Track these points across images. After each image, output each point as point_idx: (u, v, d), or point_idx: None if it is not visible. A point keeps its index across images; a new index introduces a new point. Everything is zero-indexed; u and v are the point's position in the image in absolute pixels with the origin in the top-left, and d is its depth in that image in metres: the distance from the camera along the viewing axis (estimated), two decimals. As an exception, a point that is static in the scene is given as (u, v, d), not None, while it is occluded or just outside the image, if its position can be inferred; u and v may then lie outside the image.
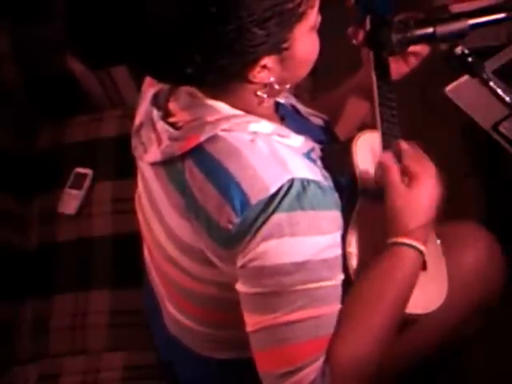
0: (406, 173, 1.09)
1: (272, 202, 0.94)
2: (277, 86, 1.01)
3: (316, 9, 0.97)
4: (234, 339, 1.14)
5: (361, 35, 1.24)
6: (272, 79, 0.99)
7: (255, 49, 0.92)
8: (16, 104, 1.87)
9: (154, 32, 0.92)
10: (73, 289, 1.63)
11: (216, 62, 0.92)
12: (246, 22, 0.89)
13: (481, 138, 1.48)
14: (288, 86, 1.04)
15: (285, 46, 0.96)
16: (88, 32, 0.89)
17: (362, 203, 1.11)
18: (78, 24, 0.91)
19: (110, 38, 0.92)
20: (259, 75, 0.97)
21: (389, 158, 1.11)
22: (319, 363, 0.98)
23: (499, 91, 1.42)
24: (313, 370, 0.98)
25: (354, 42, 1.25)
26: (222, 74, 0.95)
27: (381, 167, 1.11)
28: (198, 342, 1.24)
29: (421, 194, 1.08)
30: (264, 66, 0.96)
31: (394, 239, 1.07)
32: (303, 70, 1.04)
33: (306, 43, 0.99)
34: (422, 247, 1.07)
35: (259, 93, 1.01)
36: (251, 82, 0.98)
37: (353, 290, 1.05)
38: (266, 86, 1.00)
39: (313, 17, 0.97)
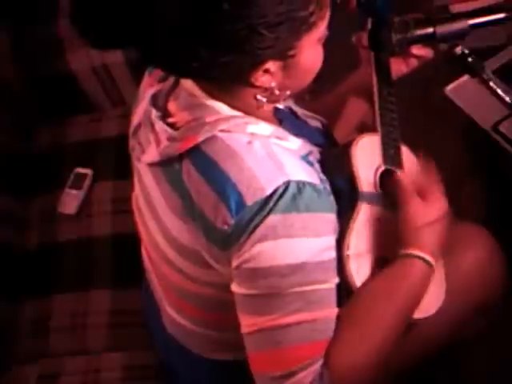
0: (419, 187, 1.10)
1: (267, 204, 0.94)
2: (277, 92, 1.01)
3: (326, 21, 0.97)
4: (232, 340, 1.13)
5: (365, 39, 1.24)
6: (273, 84, 0.99)
7: (261, 51, 0.92)
8: (16, 104, 1.87)
9: (162, 21, 0.90)
10: (73, 289, 1.63)
11: (221, 59, 0.92)
12: (258, 23, 0.88)
13: (481, 137, 1.47)
14: (288, 93, 1.03)
15: (291, 53, 0.95)
16: (96, 11, 0.89)
17: (361, 206, 1.11)
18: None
19: (120, 22, 0.91)
20: (261, 79, 0.97)
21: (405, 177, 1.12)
22: (316, 367, 0.98)
23: (499, 91, 1.42)
24: (309, 373, 0.98)
25: (354, 39, 1.25)
26: (225, 72, 0.95)
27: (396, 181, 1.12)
28: (196, 343, 1.24)
29: (434, 209, 1.08)
30: (267, 70, 0.96)
31: (405, 251, 1.07)
32: (305, 80, 1.04)
33: (311, 53, 0.99)
34: (432, 261, 1.06)
35: (259, 97, 1.01)
36: (252, 85, 0.98)
37: (357, 296, 1.04)
38: (267, 90, 1.00)
39: (322, 28, 0.97)
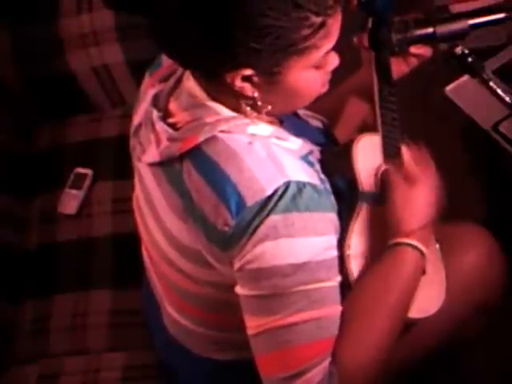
0: (406, 175, 1.10)
1: (268, 204, 0.94)
2: (259, 103, 1.00)
3: (322, 51, 0.96)
4: (232, 340, 1.14)
5: (366, 40, 1.24)
6: (256, 95, 0.99)
7: (238, 56, 0.92)
8: (16, 104, 1.87)
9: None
10: (73, 289, 1.63)
11: (199, 49, 0.93)
12: (237, 29, 0.89)
13: (481, 137, 1.47)
14: (270, 108, 1.02)
15: (275, 69, 0.95)
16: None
17: (362, 206, 1.11)
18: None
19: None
20: (239, 83, 0.96)
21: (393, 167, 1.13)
22: (325, 364, 0.98)
23: (499, 91, 1.42)
24: (319, 371, 0.98)
25: (355, 40, 1.25)
26: (200, 61, 0.96)
27: (384, 172, 1.12)
28: (197, 343, 1.24)
29: (420, 195, 1.09)
30: (248, 78, 0.96)
31: (395, 239, 1.07)
32: (297, 102, 1.05)
33: (303, 78, 0.98)
34: (422, 247, 1.07)
35: (242, 102, 1.01)
36: (229, 87, 0.97)
37: (354, 292, 1.05)
38: (249, 98, 1.00)
39: (316, 57, 0.96)
